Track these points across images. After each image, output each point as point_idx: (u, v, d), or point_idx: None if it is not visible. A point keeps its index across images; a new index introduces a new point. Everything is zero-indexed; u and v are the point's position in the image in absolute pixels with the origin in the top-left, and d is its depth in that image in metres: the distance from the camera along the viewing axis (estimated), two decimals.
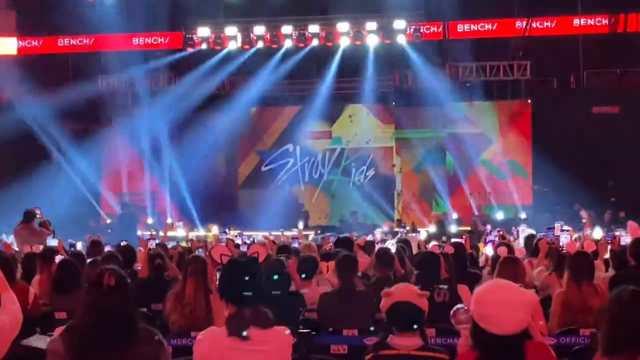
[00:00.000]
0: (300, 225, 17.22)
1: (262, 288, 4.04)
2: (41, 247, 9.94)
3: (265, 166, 23.78)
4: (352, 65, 22.88)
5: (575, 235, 11.49)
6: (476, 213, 21.45)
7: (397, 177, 23.31)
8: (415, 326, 4.48)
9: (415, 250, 10.46)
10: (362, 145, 23.51)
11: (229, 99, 23.09)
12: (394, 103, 23.19)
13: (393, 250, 8.65)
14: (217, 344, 3.93)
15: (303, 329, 6.33)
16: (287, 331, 4.09)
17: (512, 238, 13.07)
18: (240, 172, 23.94)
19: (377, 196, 22.98)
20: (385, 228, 19.29)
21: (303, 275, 7.62)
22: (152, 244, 8.74)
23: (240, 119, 23.35)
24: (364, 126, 23.49)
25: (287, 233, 15.72)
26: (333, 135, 23.68)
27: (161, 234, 15.45)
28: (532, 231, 13.63)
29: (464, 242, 10.35)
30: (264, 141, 23.84)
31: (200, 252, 8.40)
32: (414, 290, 4.66)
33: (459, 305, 4.26)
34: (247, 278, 3.97)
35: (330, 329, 6.15)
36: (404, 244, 9.82)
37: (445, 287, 6.64)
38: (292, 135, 23.65)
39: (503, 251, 7.38)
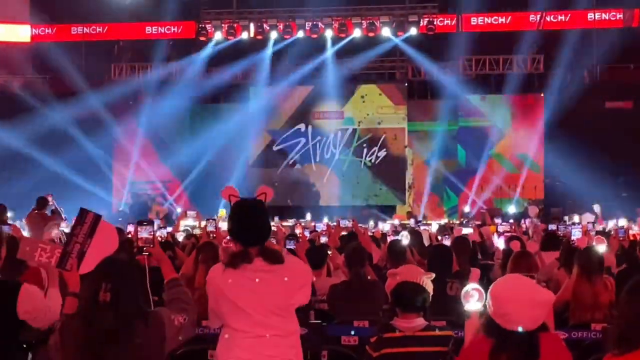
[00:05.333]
0: (309, 216, 17.17)
1: (269, 228, 4.23)
2: (53, 233, 9.95)
3: (277, 146, 23.80)
4: (364, 47, 22.85)
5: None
6: (485, 207, 21.39)
7: (409, 169, 23.31)
8: (419, 307, 4.49)
9: (426, 242, 10.43)
10: (374, 126, 23.50)
11: (241, 87, 23.20)
12: (406, 84, 23.16)
13: (406, 242, 8.64)
14: (220, 277, 4.08)
15: (314, 319, 6.34)
16: (304, 265, 4.25)
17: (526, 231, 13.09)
18: (251, 151, 23.96)
19: (388, 177, 22.99)
20: (396, 220, 19.27)
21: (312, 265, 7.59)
22: (163, 233, 8.70)
23: (252, 100, 23.51)
24: (376, 107, 23.49)
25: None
26: (345, 116, 23.67)
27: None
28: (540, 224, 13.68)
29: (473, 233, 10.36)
30: (275, 120, 23.86)
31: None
32: (419, 270, 4.68)
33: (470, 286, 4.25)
34: (253, 218, 4.16)
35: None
36: (415, 235, 9.79)
37: (458, 280, 6.65)
38: (304, 115, 23.68)
39: (516, 245, 7.36)
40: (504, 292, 3.65)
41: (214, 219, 8.81)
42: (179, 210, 21.36)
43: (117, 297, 3.75)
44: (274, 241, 7.74)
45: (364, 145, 23.53)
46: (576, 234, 7.66)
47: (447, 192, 22.94)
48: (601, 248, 7.32)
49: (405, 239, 8.66)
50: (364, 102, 23.59)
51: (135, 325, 3.77)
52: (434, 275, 4.71)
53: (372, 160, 23.49)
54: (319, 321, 5.45)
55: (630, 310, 3.46)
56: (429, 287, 4.59)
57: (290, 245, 7.73)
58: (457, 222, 19.06)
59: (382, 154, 23.43)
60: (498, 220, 16.77)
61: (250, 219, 4.17)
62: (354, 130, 23.62)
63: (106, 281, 3.77)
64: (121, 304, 3.75)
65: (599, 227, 12.46)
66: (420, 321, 4.48)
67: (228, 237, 4.31)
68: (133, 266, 4.04)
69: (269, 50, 23.14)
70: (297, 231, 12.79)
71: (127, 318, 3.76)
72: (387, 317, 4.62)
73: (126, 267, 3.93)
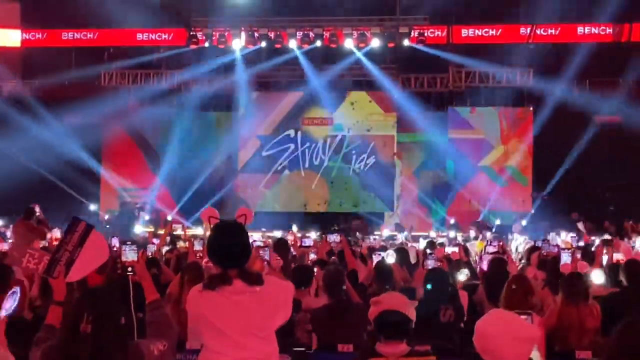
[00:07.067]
0: (295, 228, 17.14)
1: (248, 250, 4.22)
2: (41, 244, 9.92)
3: (266, 151, 23.76)
4: (355, 54, 22.84)
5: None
6: (478, 219, 21.36)
7: (397, 179, 23.33)
8: (403, 334, 4.49)
9: (413, 260, 10.40)
10: (364, 133, 23.54)
11: (231, 93, 23.20)
12: (396, 91, 23.21)
13: (392, 260, 8.61)
14: (198, 298, 4.09)
15: (301, 341, 6.31)
16: (284, 283, 4.29)
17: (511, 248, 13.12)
18: (240, 157, 23.88)
19: (376, 184, 23.01)
20: (384, 231, 19.28)
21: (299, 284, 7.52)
22: (151, 249, 8.65)
23: (241, 105, 23.58)
24: (365, 113, 23.53)
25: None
26: (334, 122, 23.68)
27: (160, 232, 15.42)
28: (523, 238, 13.75)
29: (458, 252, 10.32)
30: (265, 126, 23.83)
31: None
32: (402, 298, 4.67)
33: None
34: (231, 241, 4.13)
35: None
36: (402, 254, 9.74)
37: (451, 307, 6.66)
38: (294, 121, 23.67)
39: (513, 268, 7.33)
40: (490, 329, 3.65)
41: (202, 238, 8.75)
42: (169, 217, 21.32)
43: (99, 328, 3.72)
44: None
45: (353, 152, 23.54)
46: (565, 259, 7.64)
47: (435, 203, 22.94)
48: (596, 278, 7.31)
49: (391, 257, 8.63)
50: (353, 108, 23.61)
51: (114, 358, 3.75)
52: (417, 303, 4.70)
53: (361, 167, 23.52)
54: (302, 349, 5.42)
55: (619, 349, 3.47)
56: (412, 315, 4.59)
57: (265, 254, 7.54)
58: (444, 233, 19.06)
59: (371, 160, 23.46)
60: (487, 234, 16.83)
61: (228, 242, 4.14)
62: (344, 136, 23.63)
63: (88, 312, 3.74)
64: (102, 336, 3.72)
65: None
66: (403, 346, 4.48)
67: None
68: (116, 297, 4.00)
69: (260, 56, 23.16)
70: (289, 237, 12.79)
71: (107, 351, 3.73)
72: (371, 342, 4.61)
73: (109, 298, 3.89)
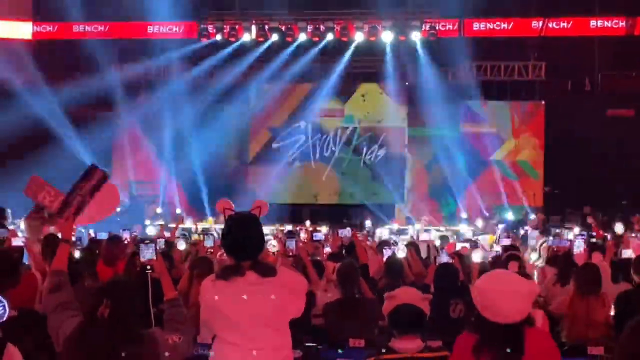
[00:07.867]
0: (308, 223, 17.12)
1: (262, 242, 4.23)
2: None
3: (276, 143, 23.77)
4: (367, 46, 22.78)
5: None
6: (487, 214, 21.29)
7: (408, 173, 23.28)
8: (417, 329, 4.49)
9: (424, 254, 10.37)
10: (374, 125, 23.52)
11: (242, 84, 23.17)
12: (407, 83, 23.14)
13: (403, 254, 8.59)
14: (211, 289, 4.11)
15: (313, 336, 6.30)
16: (298, 276, 4.34)
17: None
18: (251, 148, 23.90)
19: (387, 176, 23.00)
20: (395, 225, 19.27)
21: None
22: (161, 244, 8.62)
23: (252, 97, 23.61)
24: (376, 105, 23.52)
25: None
26: (345, 114, 23.67)
27: (171, 225, 15.43)
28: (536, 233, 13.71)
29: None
30: (275, 118, 23.81)
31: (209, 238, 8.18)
32: (416, 293, 4.67)
33: None
34: (245, 233, 4.15)
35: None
36: (413, 247, 9.72)
37: (462, 302, 6.65)
38: (305, 112, 23.65)
39: (513, 266, 7.32)
40: (489, 284, 3.72)
41: (212, 234, 8.70)
42: (178, 211, 21.33)
43: (116, 314, 3.86)
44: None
45: (364, 143, 23.53)
46: (579, 245, 7.59)
47: (446, 197, 22.88)
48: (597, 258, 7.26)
49: (401, 252, 8.61)
50: (364, 100, 23.59)
51: (129, 345, 3.85)
52: (430, 296, 4.69)
53: (372, 159, 23.51)
54: (314, 344, 5.41)
55: (630, 347, 3.45)
56: (427, 309, 4.58)
57: (291, 244, 7.43)
58: (455, 228, 19.05)
59: (382, 152, 23.46)
60: (499, 230, 16.78)
61: (242, 234, 4.15)
62: (355, 128, 23.63)
63: (107, 298, 3.89)
64: (119, 322, 3.86)
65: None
66: (418, 342, 4.48)
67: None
68: (134, 289, 4.11)
69: (271, 49, 23.13)
70: (302, 235, 12.77)
71: (122, 337, 3.85)
72: (385, 338, 4.60)
73: (128, 289, 4.03)
